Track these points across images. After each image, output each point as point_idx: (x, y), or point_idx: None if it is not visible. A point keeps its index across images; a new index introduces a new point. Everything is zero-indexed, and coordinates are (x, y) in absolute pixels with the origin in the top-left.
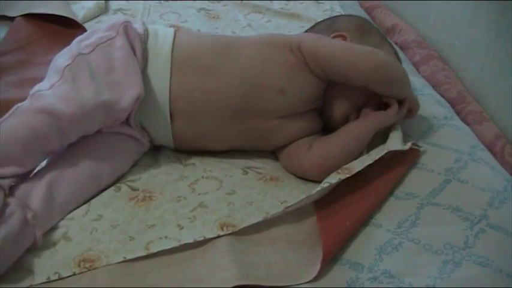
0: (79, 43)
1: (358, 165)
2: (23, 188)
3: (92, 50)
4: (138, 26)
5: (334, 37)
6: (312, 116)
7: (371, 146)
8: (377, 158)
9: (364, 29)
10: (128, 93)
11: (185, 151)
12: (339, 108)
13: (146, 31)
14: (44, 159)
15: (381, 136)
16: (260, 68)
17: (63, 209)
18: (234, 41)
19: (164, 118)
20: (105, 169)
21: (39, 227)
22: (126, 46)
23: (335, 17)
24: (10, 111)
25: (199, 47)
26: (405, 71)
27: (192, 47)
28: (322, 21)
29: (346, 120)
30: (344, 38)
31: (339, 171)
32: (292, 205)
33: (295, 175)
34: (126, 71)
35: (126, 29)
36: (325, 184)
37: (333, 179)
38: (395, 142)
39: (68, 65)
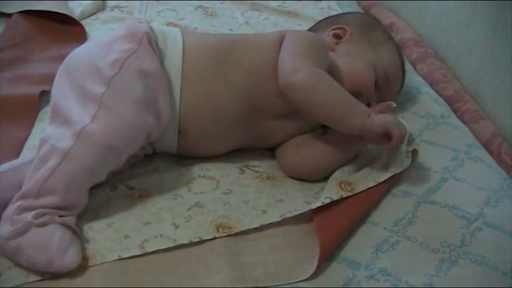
0: (102, 60)
1: (361, 183)
2: None
3: (121, 67)
4: (151, 33)
5: (334, 29)
6: None
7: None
8: (381, 181)
9: (368, 25)
10: (164, 114)
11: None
12: None
13: (156, 37)
14: None
15: None
16: (261, 72)
17: None
18: (235, 42)
19: (172, 134)
20: None
21: None
22: (155, 60)
23: (345, 12)
24: (54, 153)
25: (206, 53)
26: (346, 96)
27: (200, 54)
28: (332, 16)
29: None
30: (344, 30)
31: (342, 186)
32: (290, 215)
33: (284, 173)
34: (158, 90)
35: (149, 39)
36: (326, 200)
37: (335, 195)
38: (399, 162)
39: (104, 92)
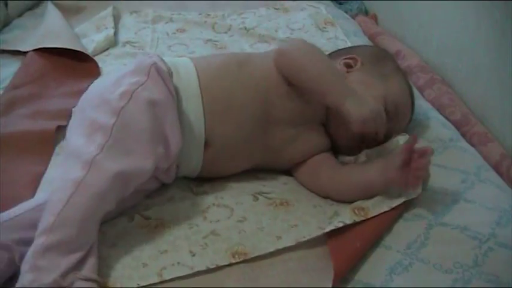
0: (112, 93)
1: (374, 208)
2: None
3: (130, 98)
4: (161, 64)
5: (345, 59)
6: (320, 131)
7: None
8: (393, 206)
9: (378, 56)
10: (173, 144)
11: (198, 179)
12: (339, 132)
13: (169, 68)
14: None
15: None
16: (272, 78)
17: None
18: (245, 55)
19: (198, 150)
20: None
21: None
22: (163, 89)
23: (356, 46)
24: (66, 185)
25: (221, 67)
26: (332, 72)
27: (214, 70)
28: (343, 48)
29: (348, 142)
30: (355, 60)
31: (356, 211)
32: (305, 238)
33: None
34: (167, 118)
35: (157, 69)
36: (339, 224)
37: (348, 219)
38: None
39: (114, 123)
